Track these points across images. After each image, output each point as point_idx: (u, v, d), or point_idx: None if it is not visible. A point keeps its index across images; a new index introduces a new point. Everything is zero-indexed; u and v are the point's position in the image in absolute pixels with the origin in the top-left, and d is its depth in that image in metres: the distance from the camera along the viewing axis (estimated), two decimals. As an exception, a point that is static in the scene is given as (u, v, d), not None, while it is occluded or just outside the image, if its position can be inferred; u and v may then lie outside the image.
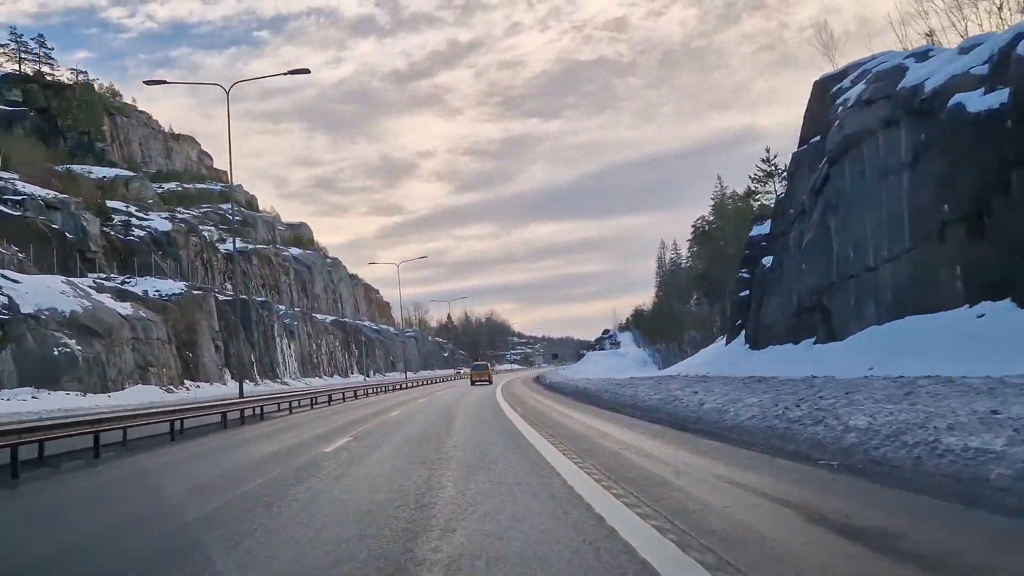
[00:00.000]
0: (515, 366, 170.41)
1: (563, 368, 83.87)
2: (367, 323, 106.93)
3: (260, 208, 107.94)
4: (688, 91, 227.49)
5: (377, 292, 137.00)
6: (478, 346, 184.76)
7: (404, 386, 55.96)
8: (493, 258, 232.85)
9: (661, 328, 67.85)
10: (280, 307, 67.86)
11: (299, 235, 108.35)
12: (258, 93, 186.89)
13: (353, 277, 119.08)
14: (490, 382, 52.43)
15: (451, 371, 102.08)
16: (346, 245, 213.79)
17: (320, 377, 73.17)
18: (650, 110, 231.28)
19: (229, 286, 71.09)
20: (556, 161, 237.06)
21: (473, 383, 52.06)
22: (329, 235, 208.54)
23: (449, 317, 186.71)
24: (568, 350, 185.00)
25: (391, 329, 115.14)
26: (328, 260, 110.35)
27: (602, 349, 72.32)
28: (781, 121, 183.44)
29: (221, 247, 74.71)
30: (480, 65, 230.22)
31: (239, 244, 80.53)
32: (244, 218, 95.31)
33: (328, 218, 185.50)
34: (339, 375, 79.97)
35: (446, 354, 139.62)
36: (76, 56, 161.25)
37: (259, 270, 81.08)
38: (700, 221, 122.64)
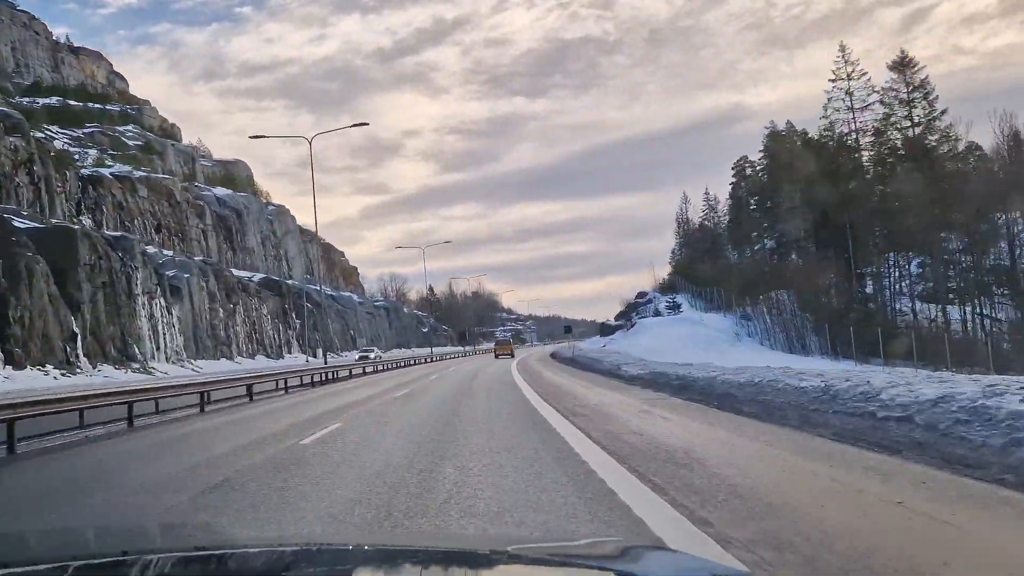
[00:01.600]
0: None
1: (584, 343, 60.92)
2: (325, 289, 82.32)
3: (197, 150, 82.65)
4: (675, 70, 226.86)
5: (342, 255, 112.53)
6: (466, 322, 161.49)
7: (364, 372, 31.91)
8: (480, 238, 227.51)
9: (750, 284, 44.78)
10: (147, 247, 43.02)
11: (231, 175, 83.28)
12: (240, 70, 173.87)
13: (307, 232, 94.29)
14: (512, 356, 55.21)
15: (428, 351, 77.74)
16: (330, 224, 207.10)
17: (232, 359, 49.00)
18: (637, 89, 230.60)
19: (89, 221, 46.37)
20: (543, 140, 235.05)
21: (497, 356, 55.60)
22: (318, 215, 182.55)
23: (431, 289, 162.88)
24: (556, 329, 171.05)
25: (354, 297, 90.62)
26: (270, 207, 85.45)
27: (643, 317, 48.62)
28: (768, 101, 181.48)
29: (87, 172, 49.91)
30: (466, 43, 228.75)
31: (120, 169, 55.64)
32: (147, 142, 70.16)
33: (310, 197, 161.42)
34: (267, 355, 55.71)
35: (426, 329, 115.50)
36: (56, 31, 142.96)
37: (151, 207, 56.26)
38: (742, 162, 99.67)
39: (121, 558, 1.62)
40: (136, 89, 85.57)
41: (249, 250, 73.71)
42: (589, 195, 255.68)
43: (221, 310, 49.50)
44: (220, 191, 73.93)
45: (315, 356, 66.53)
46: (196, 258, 51.72)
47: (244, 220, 74.00)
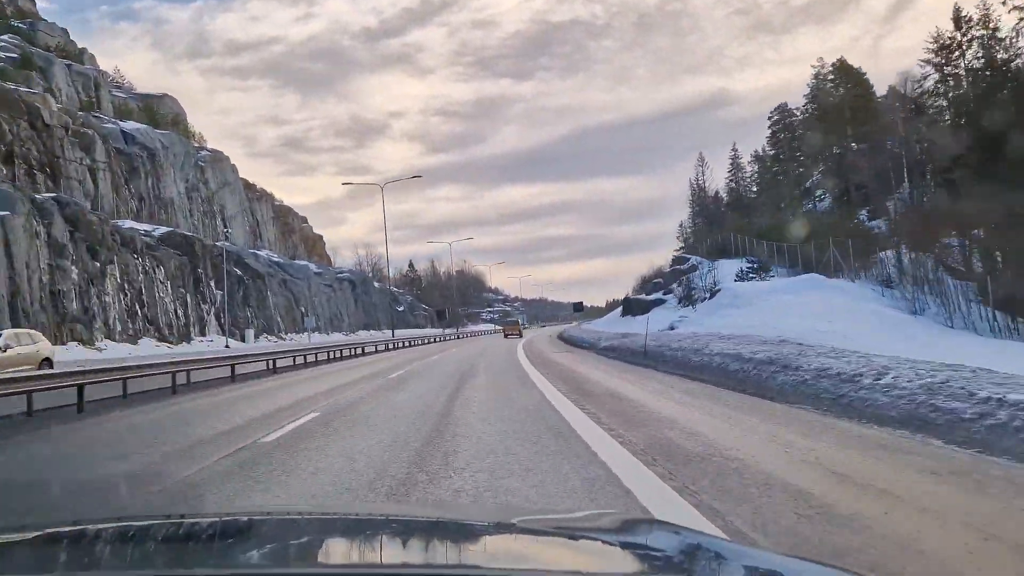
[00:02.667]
0: (495, 328, 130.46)
1: (600, 325, 46.00)
2: (268, 254, 65.71)
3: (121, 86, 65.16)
4: (662, 55, 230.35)
5: (304, 220, 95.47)
6: (448, 301, 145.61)
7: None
8: (464, 220, 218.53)
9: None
10: None
11: (155, 112, 66.04)
12: (225, 48, 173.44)
13: (253, 188, 77.42)
14: (520, 336, 54.99)
15: (387, 337, 61.61)
16: (314, 205, 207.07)
17: (92, 342, 32.62)
18: (624, 73, 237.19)
19: None
20: (529, 123, 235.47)
21: (506, 336, 56.48)
22: (297, 195, 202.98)
23: (411, 265, 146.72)
24: (542, 312, 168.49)
25: (310, 266, 73.95)
26: (203, 152, 68.40)
27: (709, 290, 32.60)
28: (755, 87, 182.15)
29: None
30: (453, 24, 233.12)
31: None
32: (24, 55, 52.97)
33: (297, 177, 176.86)
34: (164, 338, 39.29)
35: (401, 308, 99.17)
36: (37, 7, 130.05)
37: (12, 132, 39.28)
38: (777, 114, 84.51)
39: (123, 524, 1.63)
40: (122, 67, 68.30)
41: (165, 201, 56.87)
42: (574, 178, 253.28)
43: (74, 270, 32.86)
44: (129, 124, 56.99)
45: (246, 340, 50.10)
46: (46, 196, 34.92)
47: (159, 163, 57.09)
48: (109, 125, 54.51)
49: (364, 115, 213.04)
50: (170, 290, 41.75)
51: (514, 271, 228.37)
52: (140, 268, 38.61)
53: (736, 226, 49.40)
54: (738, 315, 21.34)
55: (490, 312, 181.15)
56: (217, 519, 1.75)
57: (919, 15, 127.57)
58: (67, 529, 1.56)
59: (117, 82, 70.49)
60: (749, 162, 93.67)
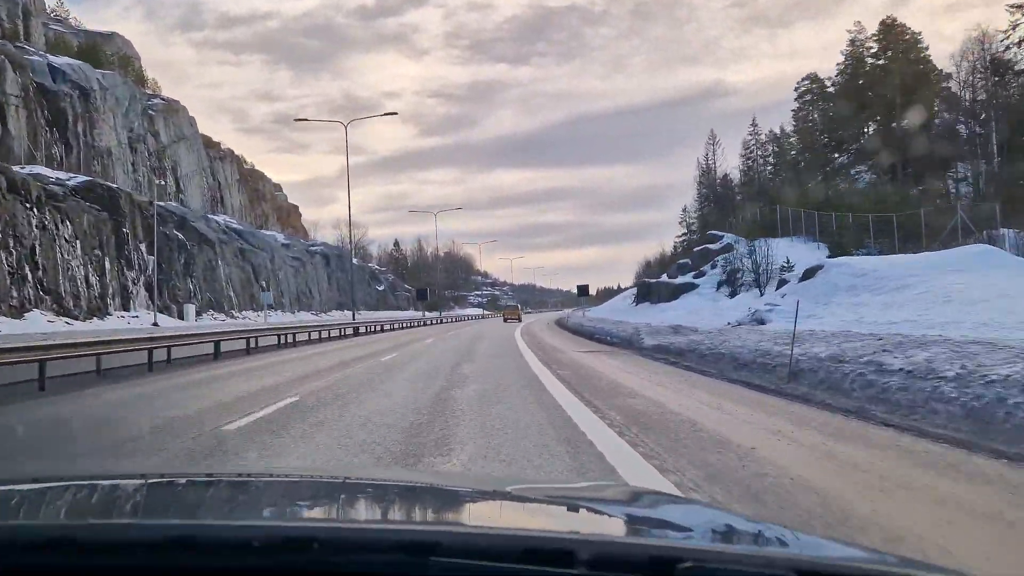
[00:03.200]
0: (484, 312, 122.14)
1: (617, 313, 38.40)
2: (225, 220, 57.02)
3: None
4: (658, 44, 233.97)
5: (278, 188, 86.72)
6: (433, 284, 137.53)
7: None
8: (455, 203, 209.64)
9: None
10: None
11: (99, 50, 57.01)
12: (217, 20, 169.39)
13: (216, 146, 68.61)
14: (519, 320, 56.94)
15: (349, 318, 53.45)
16: (305, 183, 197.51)
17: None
18: (620, 61, 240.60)
19: None
20: (523, 108, 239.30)
21: (506, 320, 58.23)
22: (289, 172, 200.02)
23: (396, 244, 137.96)
24: (532, 297, 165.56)
25: (278, 236, 65.37)
26: (155, 100, 59.50)
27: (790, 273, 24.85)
28: (750, 79, 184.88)
29: None
30: (449, 5, 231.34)
31: None
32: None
33: (289, 155, 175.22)
34: (64, 311, 30.88)
35: (382, 287, 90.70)
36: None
37: None
38: (806, 84, 77.75)
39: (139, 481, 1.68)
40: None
41: (100, 151, 48.12)
42: (568, 165, 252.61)
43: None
44: (60, 59, 48.12)
45: (185, 317, 41.68)
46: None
47: (95, 106, 48.28)
48: (35, 57, 45.70)
49: (358, 94, 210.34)
50: (80, 252, 33.23)
51: (505, 255, 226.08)
52: (33, 222, 30.05)
53: (790, 199, 41.09)
54: (881, 305, 13.26)
55: (478, 296, 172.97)
56: (209, 479, 1.79)
57: (915, 12, 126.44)
58: (59, 484, 1.56)
59: (58, 16, 61.37)
60: (765, 141, 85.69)
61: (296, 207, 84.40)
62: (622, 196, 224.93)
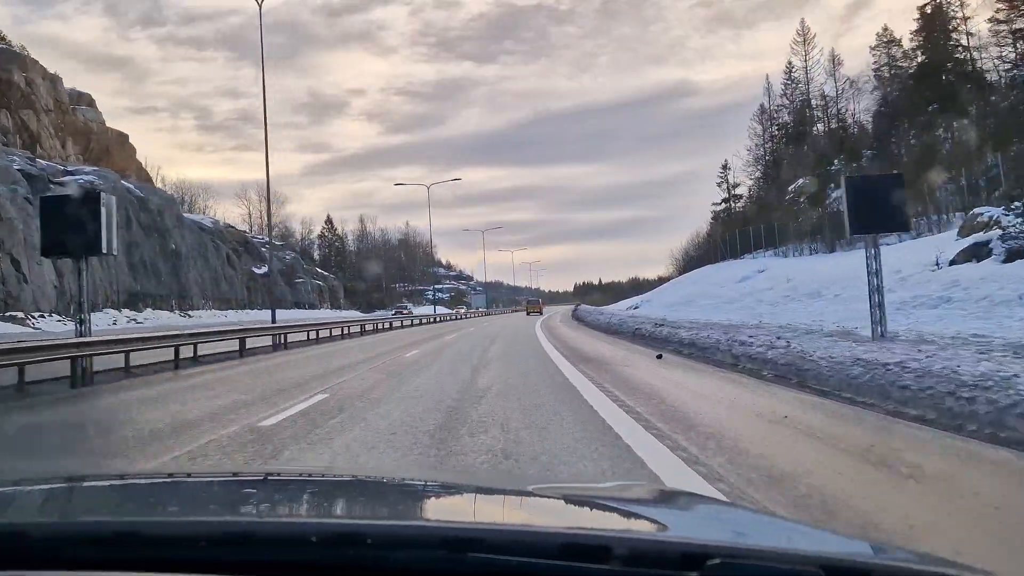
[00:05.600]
0: (440, 311, 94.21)
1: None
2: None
3: None
4: (625, 43, 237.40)
5: (126, 139, 58.19)
6: (380, 279, 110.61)
7: None
8: (421, 201, 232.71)
9: None
10: None
11: None
12: (180, 17, 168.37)
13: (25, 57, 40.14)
14: (541, 313, 63.21)
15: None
16: (271, 181, 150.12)
17: None
18: (586, 60, 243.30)
19: None
20: (490, 107, 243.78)
21: (528, 313, 64.19)
22: (254, 171, 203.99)
23: (329, 221, 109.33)
24: (501, 294, 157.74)
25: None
26: None
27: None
28: (715, 78, 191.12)
29: None
30: (416, 3, 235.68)
31: None
32: None
33: (253, 152, 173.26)
34: None
35: (300, 279, 63.11)
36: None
37: None
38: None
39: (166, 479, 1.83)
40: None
41: None
42: (534, 163, 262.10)
43: None
44: None
45: None
46: None
47: None
48: None
49: (323, 91, 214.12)
50: None
51: (470, 255, 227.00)
52: None
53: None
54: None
55: (440, 291, 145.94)
56: (230, 478, 1.89)
57: (876, 14, 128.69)
58: (65, 484, 1.60)
59: None
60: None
61: (127, 137, 55.42)
62: (588, 195, 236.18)
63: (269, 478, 1.86)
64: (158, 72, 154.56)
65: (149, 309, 37.11)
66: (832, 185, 50.17)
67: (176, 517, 1.29)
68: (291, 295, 58.81)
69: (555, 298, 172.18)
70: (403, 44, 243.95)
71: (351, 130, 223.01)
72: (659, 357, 12.72)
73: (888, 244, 27.74)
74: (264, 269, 55.31)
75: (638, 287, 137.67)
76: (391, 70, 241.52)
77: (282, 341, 20.80)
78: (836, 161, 50.90)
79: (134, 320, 33.91)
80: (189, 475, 1.84)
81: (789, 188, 57.55)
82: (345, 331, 27.04)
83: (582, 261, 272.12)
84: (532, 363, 11.99)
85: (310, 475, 2.11)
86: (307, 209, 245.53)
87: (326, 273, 76.16)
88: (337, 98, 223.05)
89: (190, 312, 38.89)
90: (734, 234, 48.61)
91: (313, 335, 23.84)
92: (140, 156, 57.41)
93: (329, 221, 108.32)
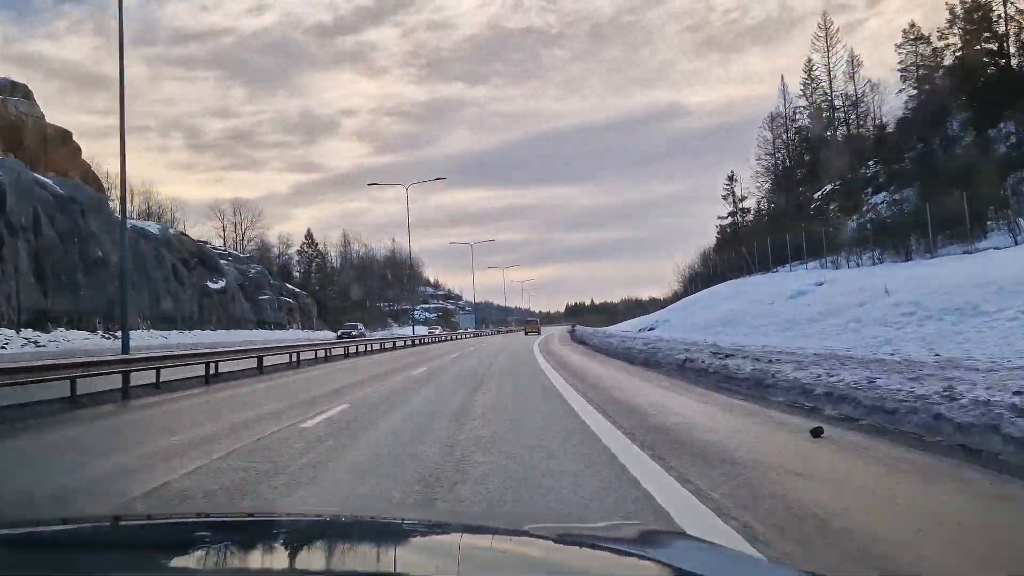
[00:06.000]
0: (433, 330, 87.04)
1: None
2: None
3: None
4: (614, 65, 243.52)
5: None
6: (364, 298, 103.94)
7: None
8: (412, 221, 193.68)
9: None
10: None
11: None
12: (171, 37, 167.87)
13: None
14: (539, 333, 65.20)
15: None
16: (259, 200, 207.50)
17: None
18: (576, 82, 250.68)
19: None
20: (480, 128, 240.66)
21: (527, 333, 68.61)
22: (246, 190, 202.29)
23: (310, 236, 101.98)
24: (490, 315, 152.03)
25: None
26: None
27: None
28: (702, 101, 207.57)
29: None
30: (408, 24, 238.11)
31: None
32: None
33: (243, 172, 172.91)
34: None
35: (265, 296, 56.23)
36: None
37: None
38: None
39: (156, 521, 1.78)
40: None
41: None
42: (524, 184, 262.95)
43: None
44: None
45: None
46: None
47: None
48: None
49: (314, 111, 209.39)
50: None
51: (460, 276, 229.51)
52: None
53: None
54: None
55: (425, 310, 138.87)
56: (220, 519, 1.79)
57: (863, 40, 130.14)
58: (53, 529, 1.54)
59: None
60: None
61: (69, 134, 48.66)
62: (578, 216, 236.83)
63: (232, 520, 1.77)
64: (148, 92, 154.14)
65: (61, 329, 30.32)
66: (869, 189, 44.18)
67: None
68: (253, 313, 51.97)
69: (547, 319, 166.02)
70: (394, 65, 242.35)
71: (341, 150, 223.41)
72: (817, 434, 6.25)
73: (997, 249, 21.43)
74: (221, 284, 48.52)
75: (635, 308, 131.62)
76: (382, 91, 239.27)
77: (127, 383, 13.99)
78: (872, 164, 44.95)
79: (34, 343, 27.15)
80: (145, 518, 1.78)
81: (814, 195, 51.57)
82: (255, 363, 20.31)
83: (573, 282, 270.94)
84: (568, 479, 5.38)
85: (274, 515, 1.95)
86: (296, 228, 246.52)
87: (297, 290, 69.28)
88: (328, 118, 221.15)
89: (117, 334, 32.13)
90: (759, 246, 42.36)
91: (215, 367, 17.02)
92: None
93: (309, 236, 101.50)
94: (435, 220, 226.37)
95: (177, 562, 1.26)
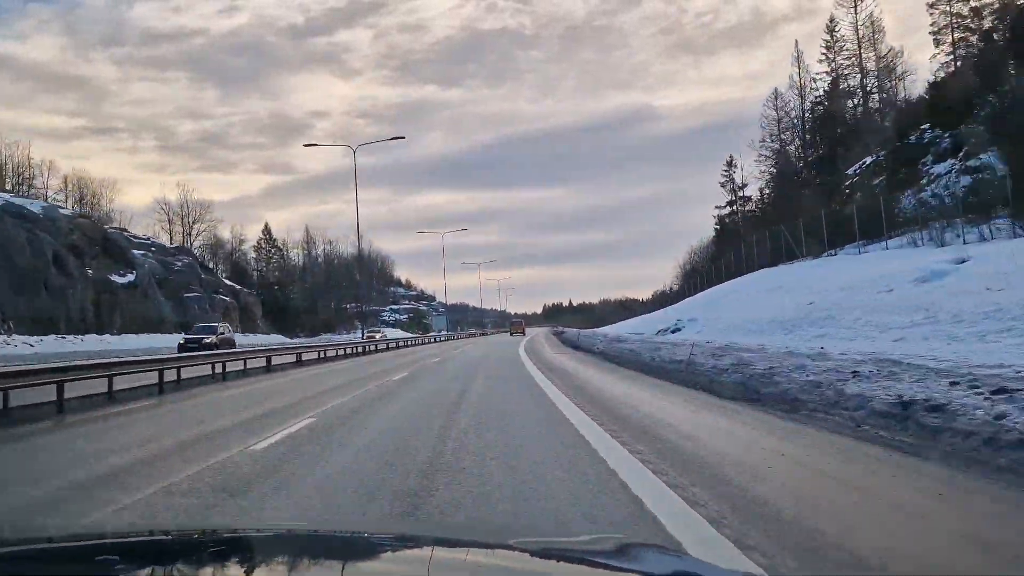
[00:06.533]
0: (398, 332, 77.74)
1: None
2: None
3: None
4: (588, 68, 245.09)
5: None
6: (329, 299, 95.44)
7: None
8: (385, 224, 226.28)
9: None
10: None
11: None
12: (142, 38, 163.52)
13: None
14: (523, 334, 66.41)
15: None
16: (231, 202, 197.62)
17: None
18: (550, 84, 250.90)
19: None
20: (454, 130, 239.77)
21: (512, 334, 70.23)
22: (218, 191, 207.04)
23: (268, 230, 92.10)
24: (465, 316, 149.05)
25: None
26: None
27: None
28: (676, 103, 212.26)
29: None
30: (381, 26, 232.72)
31: None
32: None
33: (216, 173, 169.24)
34: None
35: (194, 293, 46.86)
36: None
37: None
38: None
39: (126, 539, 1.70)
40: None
41: None
42: (498, 186, 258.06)
43: None
44: None
45: None
46: None
47: None
48: None
49: (287, 113, 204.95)
50: None
51: (428, 278, 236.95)
52: None
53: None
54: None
55: (395, 311, 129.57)
56: (199, 535, 1.76)
57: (831, 44, 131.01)
58: (34, 548, 1.52)
59: None
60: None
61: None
62: (553, 218, 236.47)
63: (195, 536, 1.72)
64: (118, 93, 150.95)
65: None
66: (928, 157, 36.23)
67: None
68: (176, 313, 42.84)
69: (526, 320, 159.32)
70: (367, 67, 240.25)
71: (314, 152, 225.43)
72: None
73: None
74: (130, 277, 39.36)
75: (620, 310, 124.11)
76: (355, 92, 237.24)
77: None
78: (926, 128, 36.96)
79: None
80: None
81: (848, 171, 43.60)
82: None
83: (549, 284, 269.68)
84: None
85: (256, 530, 1.86)
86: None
87: (238, 287, 60.07)
88: (301, 120, 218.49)
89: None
90: (806, 226, 34.47)
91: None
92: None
93: (267, 231, 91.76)
94: (407, 223, 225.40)
95: None
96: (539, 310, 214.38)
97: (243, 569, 1.32)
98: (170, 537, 1.72)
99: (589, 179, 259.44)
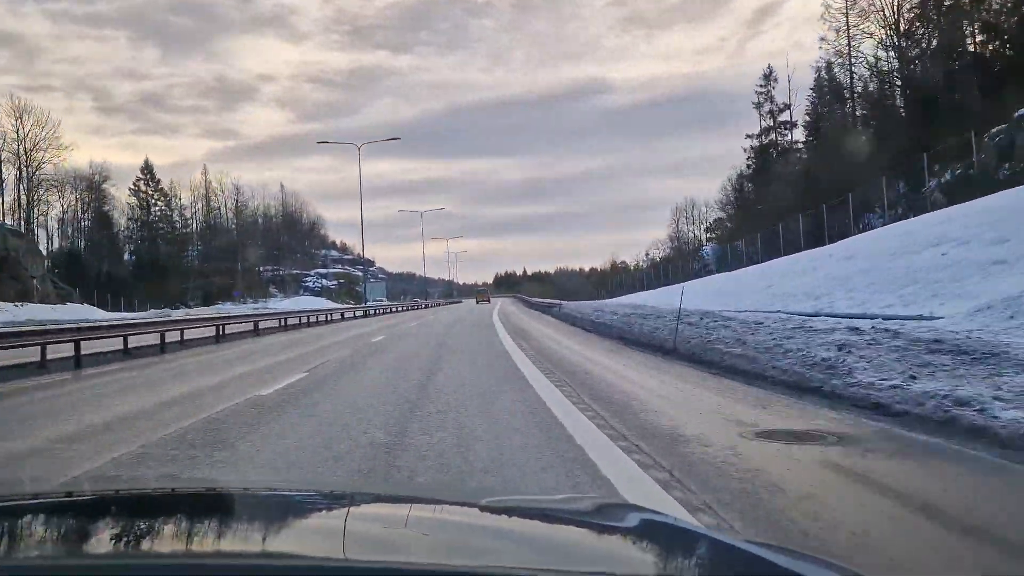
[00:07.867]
0: (320, 302, 60.35)
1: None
2: None
3: None
4: (540, 39, 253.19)
5: None
6: (236, 259, 77.50)
7: None
8: (332, 192, 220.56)
9: None
10: None
11: None
12: None
13: None
14: (488, 302, 68.81)
15: None
16: (171, 166, 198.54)
17: None
18: (502, 54, 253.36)
19: None
20: (404, 97, 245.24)
21: (478, 302, 69.95)
22: (158, 156, 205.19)
23: (147, 169, 72.43)
24: (411, 287, 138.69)
25: None
26: None
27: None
28: (628, 77, 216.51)
29: None
30: None
31: None
32: None
33: (156, 136, 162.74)
34: None
35: None
36: None
37: None
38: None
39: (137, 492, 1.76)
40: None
41: None
42: (448, 156, 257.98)
43: None
44: None
45: None
46: None
47: None
48: None
49: (232, 76, 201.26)
50: None
51: (381, 248, 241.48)
52: None
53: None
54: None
55: (323, 276, 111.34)
56: (171, 492, 1.76)
57: (783, 20, 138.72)
58: (22, 502, 1.53)
59: None
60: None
61: None
62: (502, 189, 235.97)
63: (168, 493, 1.73)
64: (52, 50, 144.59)
65: None
66: None
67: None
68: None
69: (478, 289, 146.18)
70: (316, 31, 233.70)
71: (260, 117, 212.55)
72: None
73: None
74: None
75: (605, 280, 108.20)
76: (302, 57, 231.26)
77: None
78: None
79: None
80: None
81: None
82: None
83: (498, 255, 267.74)
84: None
85: (226, 489, 1.83)
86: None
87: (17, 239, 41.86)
88: (246, 83, 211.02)
89: None
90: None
91: None
92: None
93: (147, 170, 72.09)
94: (351, 191, 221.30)
95: (124, 535, 1.20)
96: (490, 279, 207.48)
97: (217, 527, 1.29)
98: (126, 493, 1.69)
99: (542, 150, 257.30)
